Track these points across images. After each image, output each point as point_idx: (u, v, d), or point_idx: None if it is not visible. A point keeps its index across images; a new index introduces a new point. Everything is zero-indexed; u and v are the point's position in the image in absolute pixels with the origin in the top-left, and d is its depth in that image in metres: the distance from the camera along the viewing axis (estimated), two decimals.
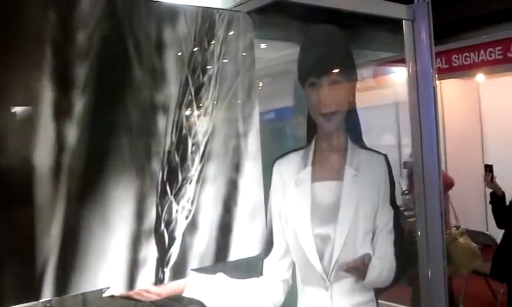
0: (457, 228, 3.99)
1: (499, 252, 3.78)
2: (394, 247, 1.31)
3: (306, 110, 1.42)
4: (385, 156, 1.40)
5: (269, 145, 1.36)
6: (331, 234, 1.30)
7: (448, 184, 4.02)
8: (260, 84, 1.44)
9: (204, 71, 1.16)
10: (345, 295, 1.30)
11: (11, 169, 0.91)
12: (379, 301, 1.38)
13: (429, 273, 0.96)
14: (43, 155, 0.94)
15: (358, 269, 1.24)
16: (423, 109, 0.99)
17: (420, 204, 0.98)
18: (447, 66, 5.42)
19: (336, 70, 1.36)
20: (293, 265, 1.38)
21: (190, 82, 1.14)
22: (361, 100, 1.49)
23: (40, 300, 0.95)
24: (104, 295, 1.02)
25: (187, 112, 1.13)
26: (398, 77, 5.11)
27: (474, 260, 3.73)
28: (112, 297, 1.03)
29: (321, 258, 1.30)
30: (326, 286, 1.30)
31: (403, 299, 2.64)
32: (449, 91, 5.62)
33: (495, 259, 3.78)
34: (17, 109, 0.92)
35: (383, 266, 1.28)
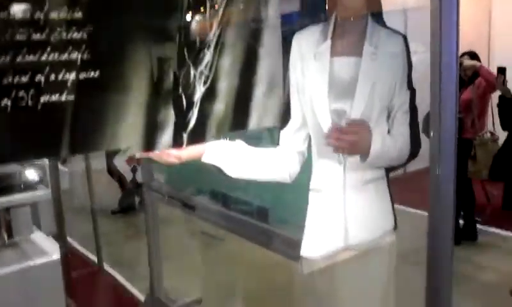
0: (492, 134, 4.00)
1: (500, 153, 3.83)
2: (410, 128, 1.32)
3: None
4: (404, 37, 1.36)
5: None
6: (347, 109, 1.29)
7: (492, 85, 3.76)
8: None
9: None
10: (357, 170, 1.32)
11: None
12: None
13: (439, 170, 0.97)
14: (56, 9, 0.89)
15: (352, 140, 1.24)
16: (445, 14, 0.94)
17: (435, 103, 0.97)
18: None
19: None
20: (309, 137, 1.39)
21: None
22: None
23: (59, 156, 0.95)
24: (125, 154, 1.02)
25: None
26: None
27: None
28: (133, 157, 1.04)
29: None
30: (340, 160, 1.31)
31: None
32: None
33: (495, 160, 3.84)
34: None
35: (394, 144, 1.29)
